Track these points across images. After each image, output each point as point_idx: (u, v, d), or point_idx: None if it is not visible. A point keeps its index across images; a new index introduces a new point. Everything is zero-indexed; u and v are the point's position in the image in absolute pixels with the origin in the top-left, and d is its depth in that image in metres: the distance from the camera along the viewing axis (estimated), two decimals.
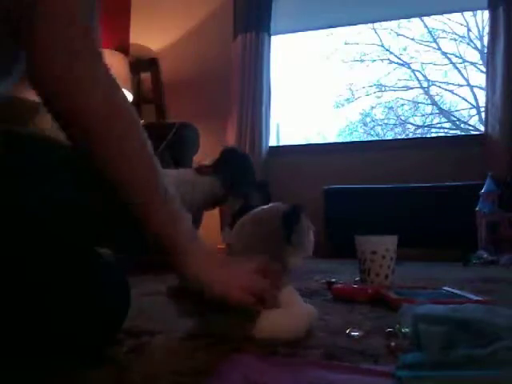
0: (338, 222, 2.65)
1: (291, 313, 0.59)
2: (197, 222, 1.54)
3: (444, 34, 4.98)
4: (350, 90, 5.23)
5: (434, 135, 5.25)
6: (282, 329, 0.57)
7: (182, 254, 0.56)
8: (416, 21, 4.69)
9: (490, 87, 2.72)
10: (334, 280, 1.13)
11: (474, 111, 5.01)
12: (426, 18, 4.61)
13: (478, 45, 4.91)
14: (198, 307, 0.59)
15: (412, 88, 5.18)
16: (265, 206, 0.68)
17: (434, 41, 5.00)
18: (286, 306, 0.59)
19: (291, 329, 0.58)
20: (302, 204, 0.64)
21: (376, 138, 5.22)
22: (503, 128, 2.62)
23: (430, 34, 4.99)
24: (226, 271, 0.58)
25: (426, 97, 5.23)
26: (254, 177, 1.51)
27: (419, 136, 5.16)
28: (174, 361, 0.47)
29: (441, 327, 0.44)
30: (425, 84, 5.15)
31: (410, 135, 5.20)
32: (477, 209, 2.31)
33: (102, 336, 0.52)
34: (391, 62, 5.12)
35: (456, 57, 4.99)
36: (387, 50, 5.04)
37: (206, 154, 2.18)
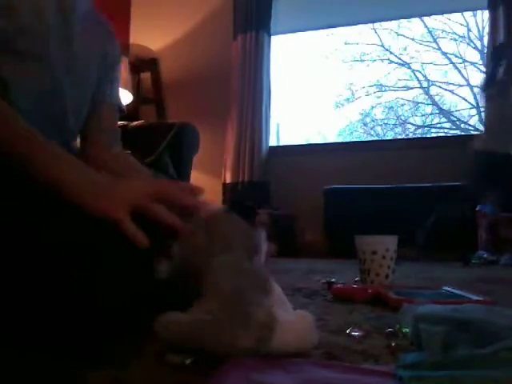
0: (338, 221, 2.65)
1: (298, 322, 0.48)
2: None
3: (444, 34, 4.98)
4: (350, 89, 5.24)
5: (434, 135, 5.25)
6: (298, 340, 0.47)
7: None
8: (416, 21, 4.70)
9: None
10: (333, 280, 1.13)
11: (474, 111, 5.01)
12: (426, 18, 4.61)
13: (478, 45, 4.91)
14: None
15: (412, 88, 5.19)
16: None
17: (434, 41, 5.00)
18: (281, 310, 0.48)
19: (306, 339, 0.48)
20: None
21: (376, 138, 5.22)
22: None
23: (430, 34, 4.99)
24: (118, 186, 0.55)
25: (426, 97, 5.24)
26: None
27: (419, 136, 5.16)
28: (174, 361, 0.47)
29: (441, 327, 0.44)
30: (425, 84, 5.16)
31: (410, 135, 5.21)
32: (477, 209, 2.31)
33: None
34: (391, 61, 5.13)
35: (456, 57, 4.99)
36: (387, 50, 5.04)
37: None
